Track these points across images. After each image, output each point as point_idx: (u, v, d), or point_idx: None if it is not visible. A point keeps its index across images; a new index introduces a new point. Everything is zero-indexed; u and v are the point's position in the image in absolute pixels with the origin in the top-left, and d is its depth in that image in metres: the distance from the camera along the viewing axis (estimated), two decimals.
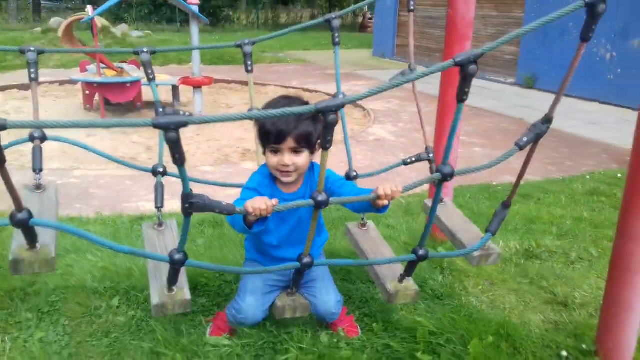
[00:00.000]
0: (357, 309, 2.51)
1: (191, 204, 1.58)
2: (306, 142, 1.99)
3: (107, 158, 2.66)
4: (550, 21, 1.65)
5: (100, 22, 12.75)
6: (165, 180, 2.53)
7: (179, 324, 2.31)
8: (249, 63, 2.70)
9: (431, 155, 2.74)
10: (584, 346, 2.25)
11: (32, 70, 2.44)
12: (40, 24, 19.81)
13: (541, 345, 2.31)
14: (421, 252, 2.03)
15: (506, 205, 2.16)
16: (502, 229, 3.88)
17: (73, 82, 9.11)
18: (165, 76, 9.87)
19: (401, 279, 2.19)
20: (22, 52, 2.42)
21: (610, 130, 8.11)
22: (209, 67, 14.09)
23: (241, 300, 2.13)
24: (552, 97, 1.88)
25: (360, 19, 29.23)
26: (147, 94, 9.96)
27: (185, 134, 6.74)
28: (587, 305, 2.72)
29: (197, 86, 8.33)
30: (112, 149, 6.97)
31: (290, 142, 1.97)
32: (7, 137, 2.29)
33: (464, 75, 1.60)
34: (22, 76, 11.41)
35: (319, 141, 2.03)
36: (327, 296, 2.16)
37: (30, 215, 1.65)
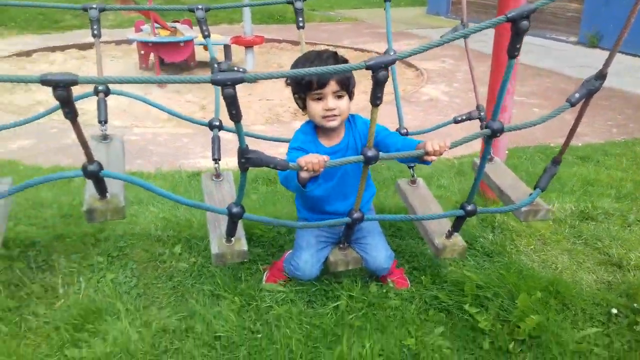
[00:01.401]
0: (407, 263, 2.58)
1: (247, 158, 1.66)
2: (346, 87, 2.04)
3: (167, 112, 2.78)
4: None
5: None
6: (221, 136, 2.63)
7: (237, 271, 2.44)
8: (300, 19, 2.73)
9: (482, 114, 2.73)
10: (635, 305, 2.26)
11: (95, 27, 2.56)
12: None
13: (591, 302, 2.33)
14: (469, 208, 2.07)
15: (556, 161, 2.16)
16: (558, 189, 3.87)
17: (129, 41, 9.31)
18: (217, 36, 9.95)
19: (449, 234, 2.24)
20: (85, 9, 2.54)
21: None
22: (259, 27, 14.08)
23: (297, 257, 2.23)
24: (618, 56, 1.86)
25: None
26: (199, 53, 10.10)
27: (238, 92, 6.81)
28: None
29: (248, 45, 8.41)
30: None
31: (332, 86, 2.01)
32: (37, 106, 2.44)
33: (515, 30, 1.60)
34: (80, 36, 11.76)
35: (353, 89, 2.10)
36: (377, 252, 2.24)
37: (100, 167, 1.78)
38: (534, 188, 2.20)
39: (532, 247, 2.92)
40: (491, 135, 1.85)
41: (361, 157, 1.78)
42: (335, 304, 2.21)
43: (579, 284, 2.50)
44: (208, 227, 2.20)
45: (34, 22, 12.71)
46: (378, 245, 2.26)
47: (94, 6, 2.57)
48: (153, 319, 2.10)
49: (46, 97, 7.48)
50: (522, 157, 5.21)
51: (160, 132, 5.99)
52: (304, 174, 1.86)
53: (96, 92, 2.54)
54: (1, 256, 2.43)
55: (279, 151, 4.49)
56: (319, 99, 2.05)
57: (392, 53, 2.76)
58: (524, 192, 2.44)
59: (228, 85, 1.51)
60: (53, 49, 10.68)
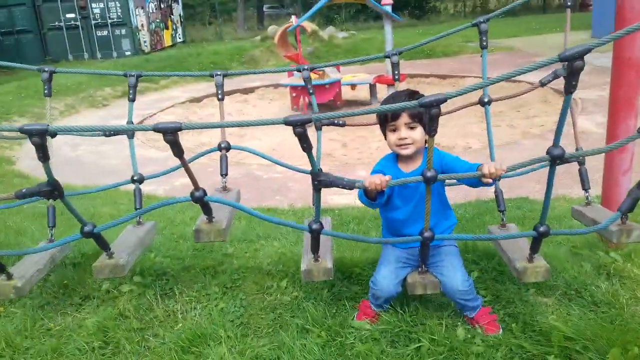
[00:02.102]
0: (503, 309, 2.54)
1: (319, 181, 1.99)
2: (419, 118, 2.22)
3: (270, 160, 3.11)
4: None
5: (310, 27, 13.86)
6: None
7: (331, 306, 2.61)
8: (396, 72, 2.91)
9: (580, 159, 2.65)
10: None
11: (220, 91, 2.95)
12: (263, 31, 22.12)
13: None
14: (541, 229, 2.09)
15: None
16: None
17: (282, 86, 10.11)
18: (363, 75, 10.39)
19: (530, 257, 2.26)
20: (211, 75, 2.95)
21: None
22: (407, 62, 14.35)
23: (377, 273, 2.43)
24: None
25: None
26: (346, 93, 10.61)
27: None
28: None
29: (390, 84, 8.65)
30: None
31: (404, 118, 2.24)
32: (201, 147, 2.85)
33: (570, 70, 1.68)
34: (243, 81, 13.00)
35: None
36: (453, 274, 2.31)
37: (205, 194, 2.14)
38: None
39: None
40: (551, 162, 1.87)
41: (420, 177, 1.95)
42: (417, 346, 2.26)
43: None
44: (302, 252, 2.48)
45: (207, 71, 14.36)
46: (454, 268, 2.34)
47: (219, 73, 2.98)
48: (248, 347, 2.34)
49: (209, 139, 8.43)
50: None
51: (302, 168, 6.43)
52: (369, 193, 2.12)
53: (220, 149, 2.94)
54: (138, 283, 2.88)
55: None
56: (394, 130, 2.29)
57: (486, 99, 2.79)
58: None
59: (298, 125, 1.78)
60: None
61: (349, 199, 5.07)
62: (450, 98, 1.82)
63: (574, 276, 2.78)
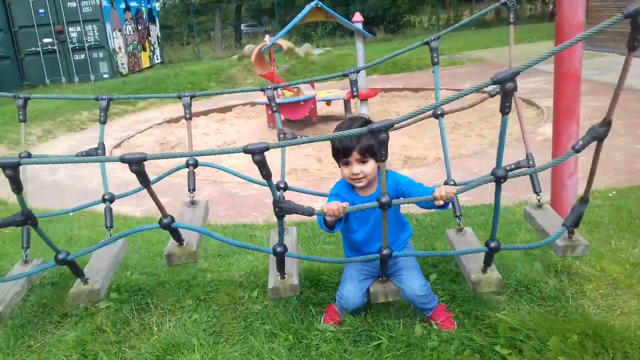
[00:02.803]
0: (458, 307, 2.72)
1: (280, 208, 2.12)
2: (370, 153, 2.34)
3: (234, 174, 3.28)
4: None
5: (286, 44, 14.10)
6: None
7: (300, 313, 2.77)
8: (355, 89, 3.09)
9: (530, 163, 2.85)
10: None
11: (187, 111, 3.12)
12: (240, 49, 22.35)
13: (637, 346, 2.30)
14: (492, 245, 2.26)
15: (583, 200, 2.25)
16: (638, 229, 3.73)
17: (257, 104, 10.30)
18: (338, 91, 10.64)
19: (484, 268, 2.42)
20: (179, 97, 3.12)
21: None
22: (382, 77, 14.67)
23: (342, 287, 2.59)
24: None
25: (550, 7, 27.44)
26: (322, 109, 10.83)
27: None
28: None
29: (362, 99, 8.89)
30: (288, 162, 7.88)
31: (355, 155, 2.35)
32: (171, 163, 3.01)
33: (504, 91, 1.85)
34: (221, 100, 13.17)
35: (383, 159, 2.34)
36: (412, 281, 2.49)
37: (172, 220, 2.29)
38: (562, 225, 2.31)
39: (600, 291, 2.89)
40: (496, 181, 2.05)
41: (376, 203, 2.11)
42: (377, 343, 2.43)
43: (629, 326, 2.46)
44: (269, 268, 2.62)
45: (185, 90, 14.51)
46: (412, 276, 2.51)
47: (187, 94, 3.15)
48: (220, 353, 2.49)
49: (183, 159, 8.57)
50: (631, 197, 4.97)
51: None
52: (328, 218, 2.24)
53: (187, 165, 3.11)
54: (115, 300, 3.02)
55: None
56: (347, 164, 2.41)
57: (439, 112, 2.99)
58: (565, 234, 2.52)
59: (257, 154, 1.93)
60: (197, 114, 12.07)
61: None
62: (397, 123, 2.00)
63: (525, 274, 2.98)
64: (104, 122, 3.12)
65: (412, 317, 2.65)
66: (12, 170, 1.89)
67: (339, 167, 2.47)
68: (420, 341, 2.42)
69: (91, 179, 7.72)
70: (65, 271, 3.35)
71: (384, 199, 2.09)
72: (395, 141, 7.99)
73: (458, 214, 2.90)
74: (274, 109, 3.32)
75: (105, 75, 18.80)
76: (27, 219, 2.13)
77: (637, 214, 4.41)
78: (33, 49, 18.68)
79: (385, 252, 2.28)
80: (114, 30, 19.35)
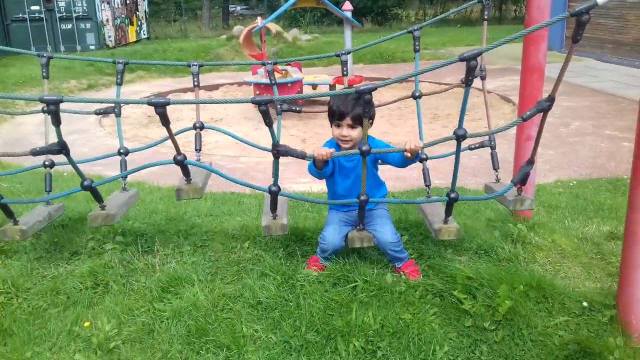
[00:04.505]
0: (424, 262, 3.12)
1: (278, 150, 2.53)
2: (359, 121, 2.75)
3: (235, 138, 3.62)
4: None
5: (274, 28, 14.36)
6: None
7: (286, 260, 3.14)
8: (345, 69, 3.45)
9: (492, 143, 3.27)
10: (607, 301, 2.63)
11: (196, 79, 3.44)
12: (229, 30, 22.48)
13: (574, 300, 2.72)
14: (452, 195, 2.66)
15: (530, 162, 2.67)
16: (590, 214, 4.20)
17: (247, 83, 10.59)
18: (324, 76, 10.98)
19: (445, 219, 2.83)
20: (189, 65, 3.45)
21: None
22: (369, 66, 15.04)
23: (324, 230, 3.01)
24: None
25: None
26: (308, 92, 11.13)
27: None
28: None
29: (348, 85, 9.26)
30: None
31: (347, 120, 2.77)
32: (177, 126, 3.34)
33: (467, 68, 2.21)
34: (209, 78, 13.39)
35: (370, 120, 2.76)
36: (384, 229, 2.92)
37: (185, 158, 2.64)
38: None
39: (549, 259, 3.31)
40: (457, 139, 2.44)
41: (357, 150, 2.52)
42: (353, 285, 2.82)
43: (569, 285, 2.89)
44: (263, 211, 3.04)
45: (171, 66, 14.70)
46: (385, 226, 2.94)
47: (195, 63, 3.48)
48: (216, 287, 2.86)
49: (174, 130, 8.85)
50: (590, 187, 5.44)
51: (262, 161, 6.95)
52: (317, 162, 2.68)
53: (194, 128, 3.45)
54: (120, 242, 3.35)
55: None
56: (338, 126, 2.80)
57: (417, 94, 3.38)
58: (514, 192, 2.95)
59: (262, 104, 2.31)
60: (185, 90, 12.32)
61: (305, 187, 5.61)
62: (379, 87, 2.39)
63: (485, 240, 3.39)
64: (120, 84, 3.44)
65: (384, 268, 3.05)
66: (55, 106, 2.22)
67: (331, 127, 2.88)
68: (390, 286, 2.81)
69: (81, 144, 7.97)
70: (74, 215, 3.67)
71: (365, 147, 2.49)
72: (377, 127, 8.38)
73: (428, 184, 3.31)
74: (272, 82, 3.64)
75: (92, 47, 18.82)
76: (62, 148, 2.45)
77: (592, 201, 4.89)
78: (20, 15, 18.60)
79: (362, 197, 2.68)
80: (103, 2, 19.35)
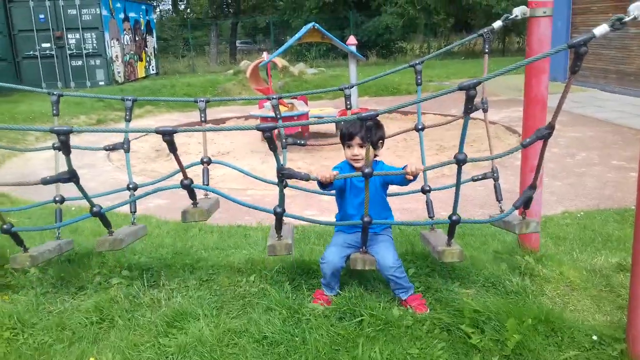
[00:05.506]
0: (431, 296, 3.10)
1: (283, 173, 2.59)
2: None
3: (241, 171, 3.66)
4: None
5: (281, 62, 14.57)
6: None
7: (292, 294, 3.13)
8: (349, 102, 3.50)
9: (495, 175, 3.29)
10: (617, 334, 2.59)
11: (203, 115, 3.49)
12: (235, 65, 22.85)
13: (584, 334, 2.68)
14: (454, 217, 2.70)
15: (532, 186, 2.68)
16: (599, 245, 4.16)
17: (253, 117, 10.71)
18: (330, 109, 11.08)
19: (448, 242, 2.87)
20: (196, 101, 3.50)
21: None
22: (374, 99, 15.18)
23: (326, 250, 3.08)
24: None
25: None
26: (313, 126, 11.24)
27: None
28: None
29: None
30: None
31: (357, 140, 2.94)
32: (185, 160, 3.38)
33: (467, 97, 2.24)
34: (216, 112, 13.56)
35: (380, 141, 2.97)
36: (386, 253, 2.96)
37: (192, 182, 2.67)
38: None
39: (558, 291, 3.28)
40: (457, 163, 2.50)
41: (359, 172, 2.59)
42: (359, 319, 2.80)
43: (580, 319, 2.85)
44: (269, 235, 3.08)
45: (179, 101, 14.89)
46: (388, 250, 2.99)
47: (202, 99, 3.53)
48: (222, 322, 2.84)
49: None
50: (597, 218, 5.41)
51: (269, 194, 6.96)
52: (322, 181, 2.81)
53: (202, 162, 3.48)
54: (126, 277, 3.36)
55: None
56: (349, 146, 2.95)
57: (420, 126, 3.42)
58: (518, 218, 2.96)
59: (266, 131, 2.38)
60: (192, 124, 12.41)
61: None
62: (381, 114, 2.45)
63: (492, 273, 3.37)
64: (128, 120, 3.50)
65: (390, 301, 3.03)
66: (65, 136, 2.29)
67: (344, 149, 3.02)
68: (397, 320, 2.79)
69: (90, 178, 8.03)
70: (81, 250, 3.68)
71: (367, 170, 2.55)
72: (383, 159, 8.41)
73: (431, 215, 3.31)
74: (277, 116, 3.68)
75: (101, 83, 19.13)
76: (72, 176, 2.51)
77: (600, 233, 4.86)
78: (31, 52, 19.00)
79: (366, 219, 2.72)
80: (112, 39, 19.75)
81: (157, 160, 9.88)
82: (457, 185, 2.63)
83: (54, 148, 3.21)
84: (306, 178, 2.63)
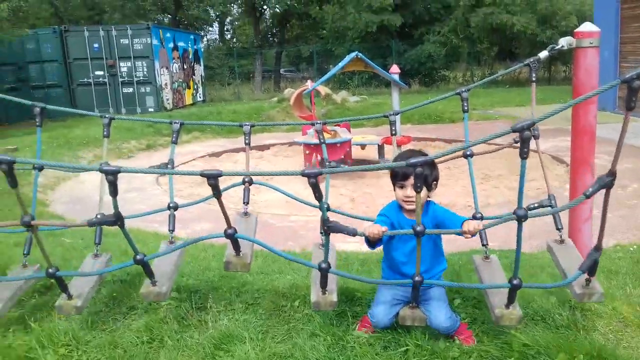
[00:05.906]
0: (478, 327, 3.06)
1: (329, 227, 2.46)
2: (424, 181, 2.67)
3: (287, 195, 3.69)
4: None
5: (324, 90, 14.77)
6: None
7: (337, 321, 3.14)
8: (393, 129, 3.52)
9: (552, 202, 3.21)
10: None
11: (247, 138, 3.58)
12: (280, 92, 23.25)
13: None
14: (515, 282, 2.55)
15: (597, 248, 2.55)
16: None
17: (297, 143, 10.85)
18: (373, 136, 11.13)
19: (507, 305, 2.69)
20: (240, 126, 3.60)
21: None
22: (416, 127, 15.15)
23: (374, 307, 2.94)
24: None
25: None
26: (356, 152, 11.31)
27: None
28: None
29: (399, 145, 9.37)
30: None
31: (411, 180, 2.67)
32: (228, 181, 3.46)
33: (522, 139, 2.22)
34: (260, 139, 13.79)
35: (434, 182, 2.79)
36: (438, 312, 2.82)
37: (236, 232, 2.67)
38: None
39: (610, 327, 3.18)
40: (517, 220, 2.39)
41: (411, 230, 2.46)
42: (405, 349, 2.79)
43: (632, 356, 2.75)
44: (311, 282, 2.99)
45: (225, 127, 15.22)
46: (440, 307, 2.84)
47: (247, 124, 3.63)
48: (267, 346, 2.88)
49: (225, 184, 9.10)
50: (619, 253, 5.22)
51: (312, 220, 7.00)
52: (370, 238, 2.62)
53: (243, 182, 3.56)
54: (175, 298, 3.44)
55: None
56: (402, 187, 2.81)
57: (468, 152, 3.40)
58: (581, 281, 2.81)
59: (311, 177, 2.34)
60: (237, 150, 12.68)
61: (355, 246, 5.62)
62: (433, 160, 2.40)
63: (541, 306, 3.30)
64: (175, 142, 3.62)
65: (437, 333, 2.99)
66: (113, 176, 2.28)
67: (394, 190, 2.87)
68: (443, 351, 2.76)
69: (139, 201, 8.26)
70: (132, 271, 3.79)
71: (419, 228, 2.42)
72: None
73: (485, 243, 3.26)
74: (321, 141, 3.72)
75: (151, 109, 19.79)
76: (117, 219, 2.48)
77: (615, 269, 4.67)
78: (85, 80, 19.87)
79: (417, 279, 2.59)
80: (162, 67, 20.46)
81: (203, 184, 10.09)
82: (518, 244, 2.45)
83: (100, 171, 3.28)
84: (353, 233, 2.47)
